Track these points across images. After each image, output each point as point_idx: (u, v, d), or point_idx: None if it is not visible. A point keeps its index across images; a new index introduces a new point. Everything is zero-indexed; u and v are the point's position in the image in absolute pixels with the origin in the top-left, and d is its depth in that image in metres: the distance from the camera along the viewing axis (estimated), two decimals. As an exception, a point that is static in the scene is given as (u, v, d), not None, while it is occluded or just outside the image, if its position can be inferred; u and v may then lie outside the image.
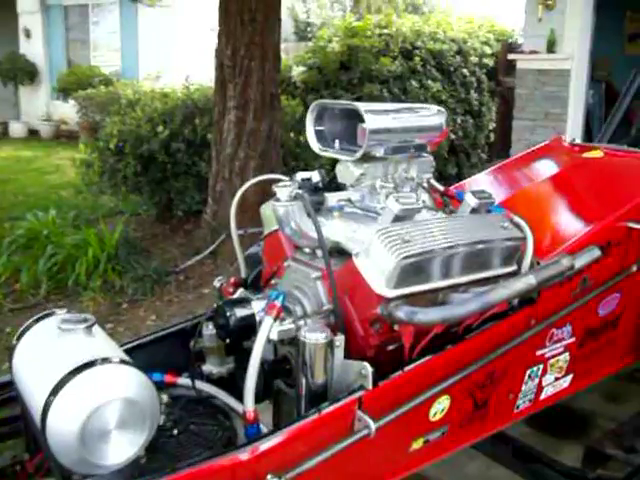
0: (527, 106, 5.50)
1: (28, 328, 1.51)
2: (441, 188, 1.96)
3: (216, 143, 5.11)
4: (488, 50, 7.48)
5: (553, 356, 2.09)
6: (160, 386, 1.72)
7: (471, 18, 7.95)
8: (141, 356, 1.84)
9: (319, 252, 1.74)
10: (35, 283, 4.58)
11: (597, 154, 2.55)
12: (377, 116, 1.66)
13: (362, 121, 1.69)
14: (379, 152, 1.68)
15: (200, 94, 6.04)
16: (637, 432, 2.21)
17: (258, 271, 2.06)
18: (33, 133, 12.97)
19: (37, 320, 1.52)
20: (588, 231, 2.02)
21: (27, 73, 13.19)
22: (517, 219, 1.85)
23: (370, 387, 1.49)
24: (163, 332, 1.92)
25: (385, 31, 7.02)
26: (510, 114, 6.41)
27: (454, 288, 1.65)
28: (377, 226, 1.68)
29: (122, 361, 1.30)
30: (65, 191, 7.52)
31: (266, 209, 1.94)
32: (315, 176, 1.91)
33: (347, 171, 1.75)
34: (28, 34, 13.40)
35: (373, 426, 1.45)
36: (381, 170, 1.75)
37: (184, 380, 1.75)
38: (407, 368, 1.57)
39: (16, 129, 13.06)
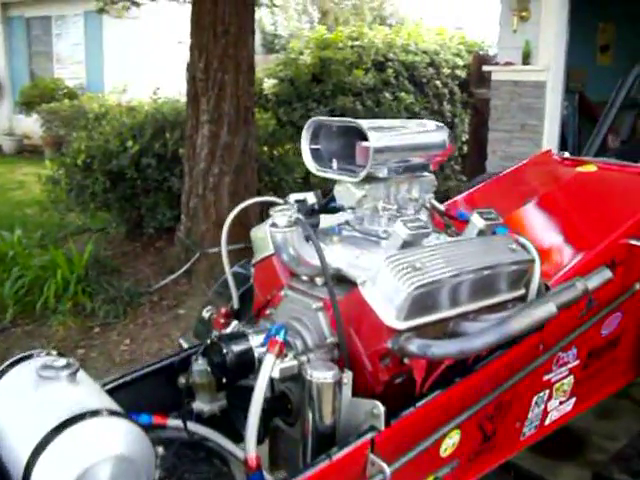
0: (503, 118, 5.48)
1: (3, 373, 1.36)
2: (442, 208, 1.87)
3: (189, 158, 4.96)
4: (460, 62, 7.48)
5: (558, 380, 2.01)
6: (148, 428, 1.59)
7: (441, 30, 7.95)
8: (125, 395, 1.70)
9: (318, 280, 1.62)
10: (1, 307, 4.37)
11: (591, 168, 2.49)
12: (381, 134, 1.56)
13: (364, 139, 1.59)
14: (382, 173, 1.58)
15: (170, 108, 5.89)
16: (642, 456, 2.14)
17: (243, 294, 1.95)
18: (-6, 148, 12.60)
19: (13, 364, 1.37)
20: (593, 250, 1.95)
21: (-12, 87, 12.84)
22: (522, 240, 1.76)
23: (382, 428, 1.37)
24: (148, 368, 1.78)
25: (357, 43, 6.97)
26: (483, 125, 6.40)
27: (464, 316, 1.55)
28: (383, 252, 1.57)
29: (113, 413, 1.16)
30: (30, 209, 7.26)
31: (257, 233, 1.82)
32: (310, 198, 1.80)
33: (347, 193, 1.64)
34: (-12, 47, 13.05)
35: (388, 471, 1.34)
36: (383, 191, 1.65)
37: (174, 421, 1.61)
38: (419, 404, 1.47)
39: (-23, 144, 12.67)
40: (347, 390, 1.41)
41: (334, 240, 1.63)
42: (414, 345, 1.39)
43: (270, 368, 1.35)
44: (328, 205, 1.76)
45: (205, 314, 1.86)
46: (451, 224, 1.84)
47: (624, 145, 3.29)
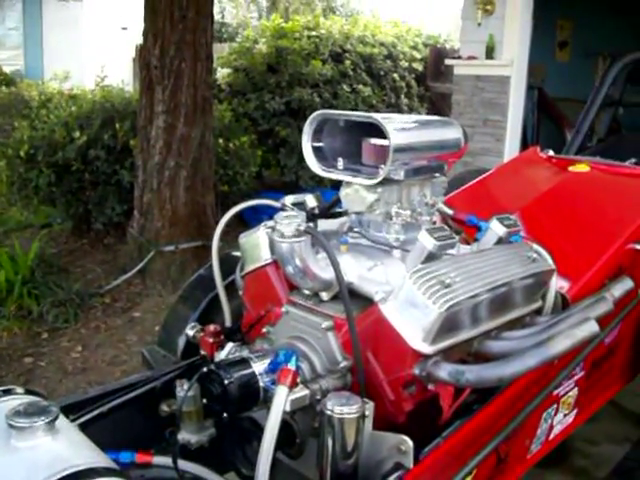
0: (465, 112, 5.39)
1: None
2: (450, 212, 1.71)
3: (142, 150, 4.67)
4: (417, 55, 7.38)
5: (565, 394, 1.89)
6: (128, 467, 1.39)
7: (398, 22, 7.83)
8: (100, 428, 1.49)
9: (324, 295, 1.44)
10: (-64, 312, 4.01)
11: (583, 168, 2.39)
12: (400, 131, 1.38)
13: (374, 135, 1.42)
14: (399, 175, 1.41)
15: (119, 96, 5.57)
16: (644, 468, 2.06)
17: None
18: None
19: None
20: (603, 257, 1.84)
21: None
22: (538, 248, 1.63)
23: (411, 465, 1.21)
24: (124, 397, 1.56)
25: (314, 33, 6.77)
26: (440, 120, 6.30)
27: (487, 333, 1.41)
28: (399, 264, 1.41)
29: (105, 471, 0.95)
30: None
31: (249, 240, 1.62)
32: (310, 200, 1.61)
33: (357, 196, 1.46)
34: None
35: (420, 517, 1.18)
36: (396, 195, 1.48)
37: (160, 459, 1.40)
38: (445, 434, 1.31)
39: None
40: (368, 423, 1.24)
41: (342, 250, 1.45)
42: (444, 371, 1.23)
43: (283, 403, 1.17)
44: (331, 209, 1.58)
45: (189, 331, 1.65)
46: (461, 230, 1.69)
47: (601, 143, 3.23)
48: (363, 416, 1.20)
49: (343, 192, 1.50)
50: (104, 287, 4.50)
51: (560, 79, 6.49)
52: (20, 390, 1.17)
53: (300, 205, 1.62)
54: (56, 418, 1.04)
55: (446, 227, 1.39)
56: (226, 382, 1.25)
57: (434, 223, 1.61)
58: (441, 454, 1.28)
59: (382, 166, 1.38)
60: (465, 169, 3.44)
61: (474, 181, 2.46)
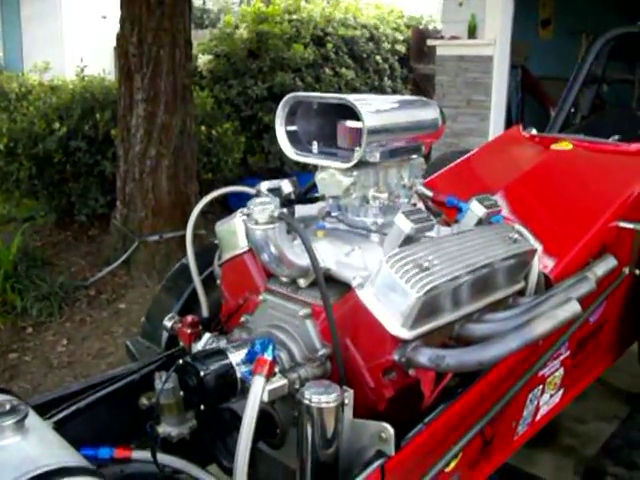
0: (448, 93, 5.35)
1: None
2: (430, 194, 1.68)
3: (123, 140, 4.61)
4: (400, 36, 7.31)
5: (551, 374, 1.88)
6: (107, 463, 1.36)
7: (380, 4, 7.75)
8: (79, 424, 1.47)
9: (302, 282, 1.42)
10: None
11: (566, 146, 2.36)
12: (374, 113, 1.35)
13: (348, 118, 1.39)
14: (374, 157, 1.37)
15: (99, 86, 5.49)
16: (632, 445, 2.05)
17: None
18: None
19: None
20: (587, 236, 1.82)
21: None
22: (520, 229, 1.61)
23: (392, 453, 1.19)
24: (103, 391, 1.53)
25: (295, 17, 6.68)
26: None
27: (468, 317, 1.38)
28: (378, 248, 1.38)
29: (78, 470, 0.93)
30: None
31: (225, 227, 1.59)
32: (285, 186, 1.58)
33: (333, 180, 1.43)
34: None
35: (402, 504, 1.16)
36: (373, 178, 1.44)
37: (139, 453, 1.38)
38: (427, 420, 1.29)
39: None
40: (348, 411, 1.22)
41: (318, 235, 1.42)
42: (424, 356, 1.21)
43: (260, 393, 1.14)
44: (307, 194, 1.54)
45: (167, 322, 1.62)
46: (441, 211, 1.66)
47: (584, 121, 3.20)
48: (342, 404, 1.18)
49: (318, 176, 1.46)
50: (89, 279, 4.46)
51: (544, 57, 6.45)
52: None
53: (276, 191, 1.58)
54: (25, 417, 1.01)
55: (424, 209, 1.36)
56: (202, 374, 1.22)
57: (414, 205, 1.58)
58: (423, 440, 1.26)
59: (357, 149, 1.34)
60: (449, 150, 3.41)
61: (456, 162, 2.43)
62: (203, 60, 6.54)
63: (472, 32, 5.17)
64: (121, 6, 4.44)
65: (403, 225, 1.27)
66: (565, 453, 2.80)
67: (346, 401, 1.20)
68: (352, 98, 1.34)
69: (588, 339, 2.07)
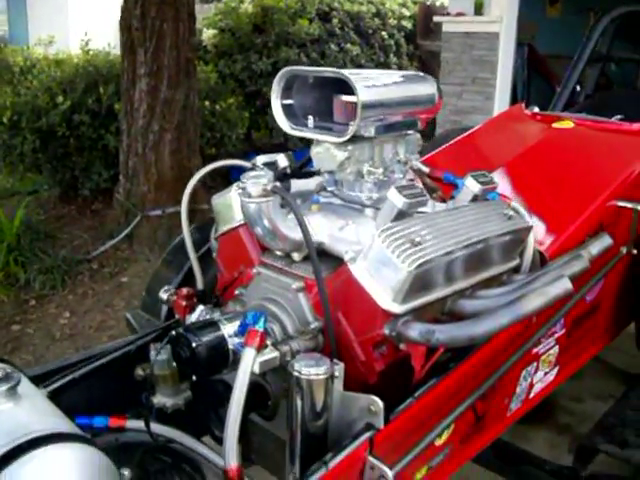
0: (454, 70, 5.31)
1: None
2: (427, 170, 1.68)
3: (126, 114, 4.61)
4: (406, 12, 7.24)
5: (545, 352, 1.89)
6: (102, 432, 1.38)
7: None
8: (75, 393, 1.49)
9: (296, 256, 1.42)
10: None
11: (567, 124, 2.35)
12: (369, 87, 1.34)
13: (344, 92, 1.38)
14: (369, 132, 1.37)
15: (103, 60, 5.46)
16: (625, 423, 2.06)
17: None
18: None
19: None
20: (584, 214, 1.81)
21: None
22: (516, 206, 1.61)
23: (382, 426, 1.21)
24: (98, 361, 1.55)
25: (300, -9, 6.62)
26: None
27: (461, 292, 1.39)
28: (371, 223, 1.38)
29: (68, 436, 0.94)
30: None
31: (221, 200, 1.59)
32: (281, 160, 1.58)
33: (328, 154, 1.42)
34: None
35: (390, 474, 1.18)
36: (368, 152, 1.44)
37: (134, 422, 1.40)
38: (417, 394, 1.30)
39: None
40: (338, 384, 1.23)
41: (313, 209, 1.42)
42: (415, 330, 1.21)
43: (251, 364, 1.16)
44: (303, 169, 1.54)
45: (163, 294, 1.63)
46: (437, 187, 1.66)
47: (589, 99, 3.17)
48: (332, 377, 1.19)
49: (314, 151, 1.46)
50: (91, 253, 4.48)
51: (551, 35, 6.38)
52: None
53: (272, 165, 1.58)
54: (17, 384, 1.02)
55: (417, 185, 1.36)
56: (194, 345, 1.23)
57: (411, 181, 1.58)
58: (413, 414, 1.27)
59: (351, 123, 1.34)
60: (451, 127, 3.39)
61: (456, 139, 2.42)
62: (208, 34, 6.50)
63: (478, 9, 5.11)
64: (125, -22, 4.41)
65: (396, 200, 1.27)
66: (560, 431, 2.82)
67: (336, 374, 1.22)
68: (347, 72, 1.33)
69: (584, 318, 2.07)
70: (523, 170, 2.07)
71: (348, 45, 6.60)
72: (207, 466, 1.33)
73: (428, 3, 7.47)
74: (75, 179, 5.32)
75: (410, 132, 1.55)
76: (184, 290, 1.57)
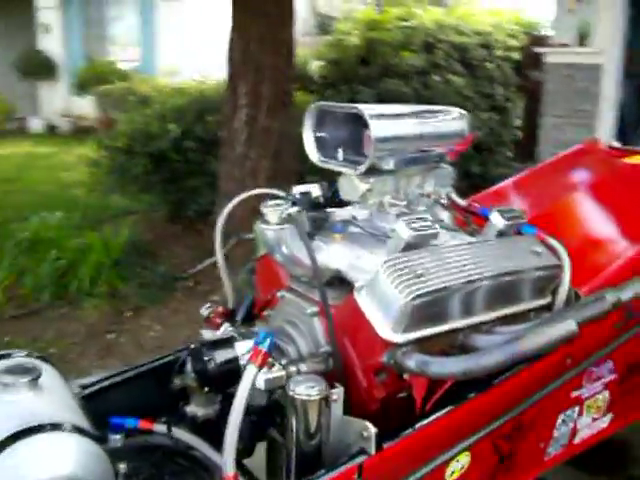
0: (556, 102, 5.17)
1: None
2: (463, 203, 1.69)
3: (226, 142, 4.88)
4: (514, 43, 7.13)
5: (591, 396, 1.82)
6: (133, 433, 1.50)
7: (497, 10, 7.59)
8: (114, 396, 1.62)
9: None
10: (38, 288, 4.40)
11: (638, 160, 2.25)
12: (384, 121, 1.40)
13: (367, 127, 1.44)
14: (387, 164, 1.42)
15: (213, 90, 5.82)
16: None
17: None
18: (52, 129, 12.85)
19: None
20: (629, 255, 1.74)
21: (45, 68, 13.07)
22: (552, 242, 1.57)
23: (373, 452, 1.24)
24: (141, 368, 1.68)
25: (406, 24, 6.72)
26: (537, 110, 6.08)
27: (477, 327, 1.39)
28: (383, 255, 1.42)
29: (69, 427, 1.06)
30: (78, 189, 7.34)
31: (258, 227, 1.69)
32: (315, 190, 1.65)
33: (351, 186, 1.49)
34: (47, 29, 13.25)
35: (376, 501, 1.21)
36: (391, 185, 1.49)
37: (161, 426, 1.51)
38: (418, 426, 1.32)
39: (34, 125, 12.94)
40: (337, 407, 1.28)
41: (335, 238, 1.49)
42: (412, 361, 1.24)
43: (251, 380, 1.23)
44: (334, 198, 1.61)
45: (204, 311, 1.75)
46: (471, 221, 1.67)
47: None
48: (326, 399, 1.24)
49: (339, 182, 1.53)
50: (187, 271, 4.75)
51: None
52: (21, 353, 1.30)
53: (307, 195, 1.66)
54: (38, 377, 1.16)
55: (429, 217, 1.38)
56: (206, 359, 1.33)
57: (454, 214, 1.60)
58: (409, 444, 1.28)
59: (368, 156, 1.40)
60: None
61: (519, 174, 2.39)
62: (315, 65, 6.74)
63: (583, 39, 4.96)
64: (232, 16, 4.71)
65: (402, 231, 1.31)
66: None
67: (334, 397, 1.26)
68: (363, 107, 1.39)
69: None
70: (581, 206, 2.02)
71: (452, 76, 6.59)
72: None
73: (537, 34, 7.31)
74: (182, 201, 5.67)
75: (443, 166, 1.58)
76: (220, 308, 1.68)
